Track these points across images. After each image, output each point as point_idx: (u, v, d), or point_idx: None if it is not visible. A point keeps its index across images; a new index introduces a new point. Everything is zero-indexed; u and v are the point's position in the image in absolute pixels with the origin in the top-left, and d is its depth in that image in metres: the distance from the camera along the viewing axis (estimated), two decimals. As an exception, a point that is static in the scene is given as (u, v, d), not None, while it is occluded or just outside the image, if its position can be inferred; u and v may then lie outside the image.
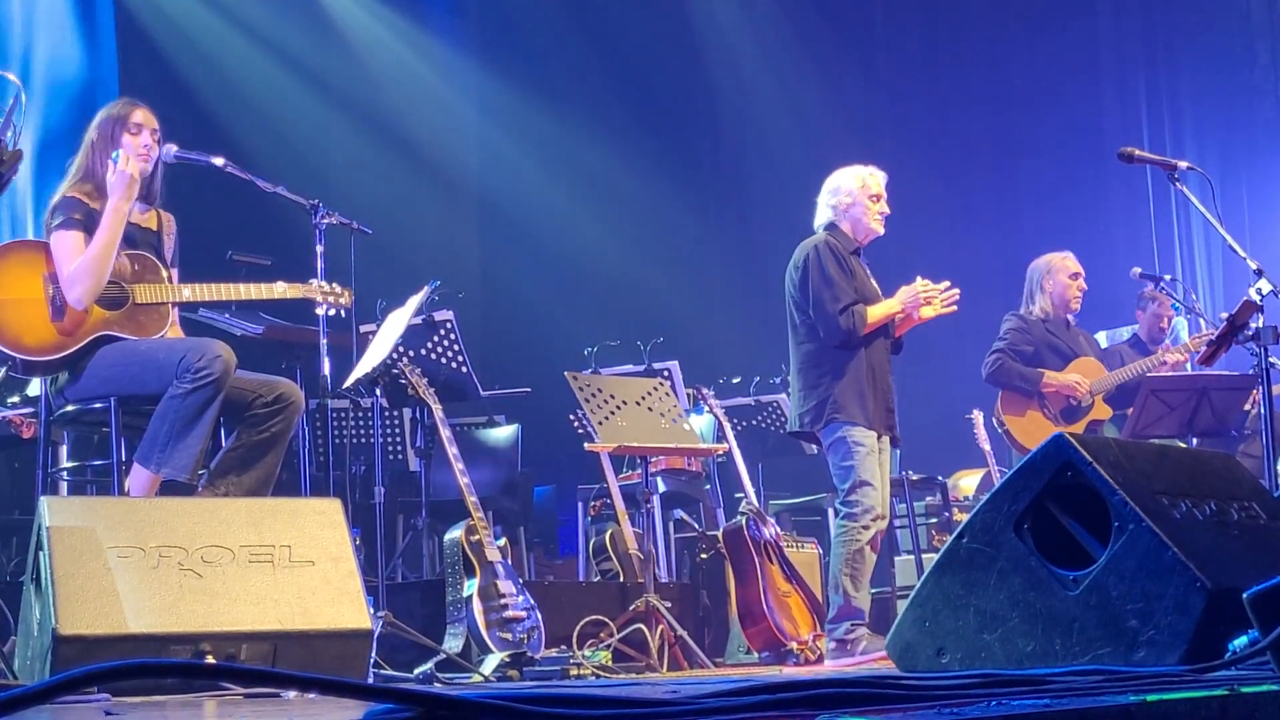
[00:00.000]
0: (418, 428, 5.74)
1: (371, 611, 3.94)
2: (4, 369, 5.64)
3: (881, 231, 5.75)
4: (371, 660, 3.91)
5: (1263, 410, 5.18)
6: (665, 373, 7.37)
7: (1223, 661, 2.61)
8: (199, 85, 8.65)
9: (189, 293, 4.65)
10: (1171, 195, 9.82)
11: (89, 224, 4.54)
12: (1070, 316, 7.02)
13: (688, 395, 7.36)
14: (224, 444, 4.57)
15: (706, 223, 11.04)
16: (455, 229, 10.15)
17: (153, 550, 3.51)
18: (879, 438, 5.55)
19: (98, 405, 4.53)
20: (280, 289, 4.76)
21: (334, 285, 4.84)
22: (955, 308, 5.61)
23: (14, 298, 4.45)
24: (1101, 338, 8.47)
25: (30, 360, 4.48)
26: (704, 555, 6.59)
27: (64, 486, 5.29)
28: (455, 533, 5.23)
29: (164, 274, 4.68)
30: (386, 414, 6.93)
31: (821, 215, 5.85)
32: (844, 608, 5.42)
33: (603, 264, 10.07)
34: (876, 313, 5.57)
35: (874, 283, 5.75)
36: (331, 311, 4.84)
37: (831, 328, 5.52)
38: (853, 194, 5.75)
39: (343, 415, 6.90)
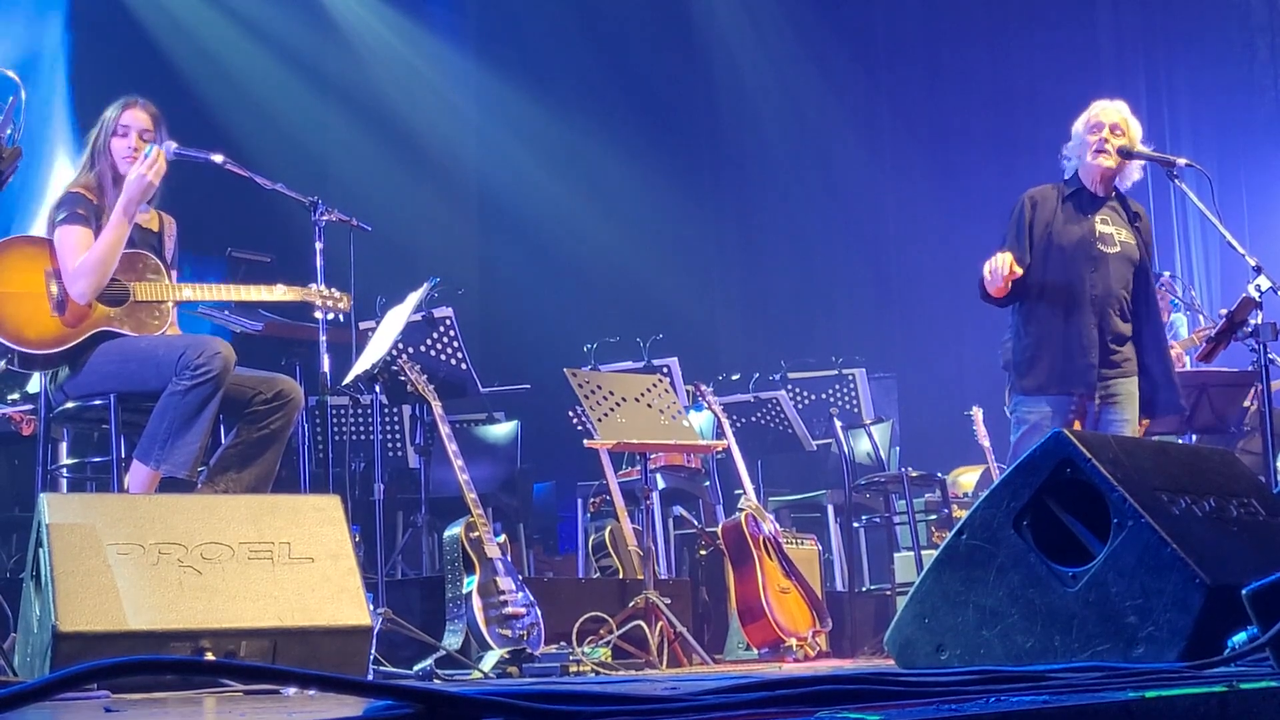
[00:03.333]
0: (417, 424, 5.74)
1: (371, 608, 3.95)
2: (2, 362, 5.64)
3: (1107, 164, 5.22)
4: (371, 657, 3.91)
5: (1262, 407, 5.18)
6: (664, 369, 7.37)
7: (1222, 658, 2.61)
8: (198, 82, 8.64)
9: (189, 292, 4.68)
10: (1170, 192, 9.81)
11: (92, 219, 4.56)
12: None
13: (687, 392, 7.36)
14: (223, 441, 4.58)
15: (706, 219, 11.04)
16: (455, 226, 10.15)
17: (152, 547, 3.51)
18: (1073, 403, 5.14)
19: (97, 402, 4.53)
20: (280, 292, 4.77)
21: (333, 290, 4.84)
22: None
23: (16, 291, 4.47)
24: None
25: (30, 353, 4.48)
26: (703, 552, 6.59)
27: (64, 483, 5.29)
28: (455, 529, 5.23)
29: (164, 273, 4.70)
30: (386, 411, 6.94)
31: (1067, 166, 5.41)
32: None
33: (602, 261, 10.07)
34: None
35: (1110, 226, 5.25)
36: (330, 316, 4.85)
37: None
38: (1076, 134, 5.33)
39: (342, 412, 6.90)
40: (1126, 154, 5.28)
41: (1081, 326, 5.15)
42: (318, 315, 4.85)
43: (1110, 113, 5.32)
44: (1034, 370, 5.18)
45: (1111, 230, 5.26)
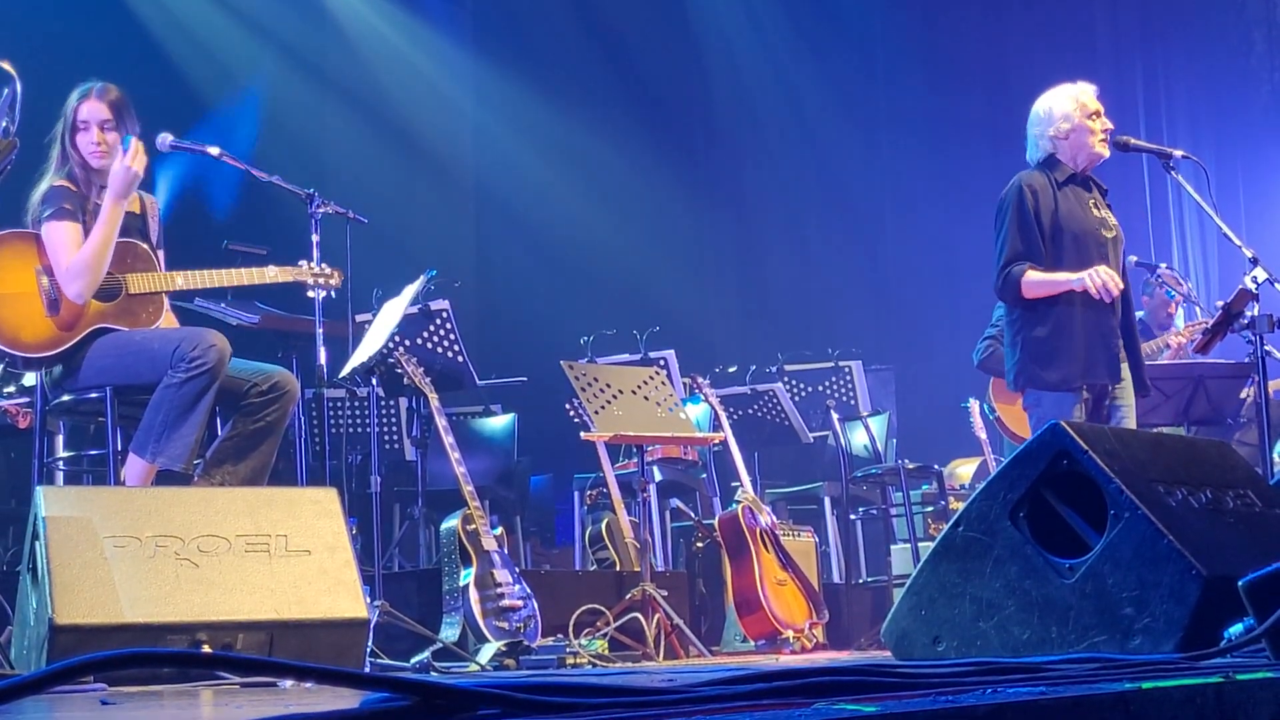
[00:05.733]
0: (414, 417, 5.74)
1: (368, 601, 3.95)
2: (2, 365, 5.64)
3: (1107, 154, 5.20)
4: (368, 649, 3.92)
5: (1259, 399, 5.18)
6: (661, 361, 7.37)
7: (1218, 649, 2.61)
8: (194, 74, 8.63)
9: (182, 280, 4.65)
10: (1167, 183, 9.81)
11: (79, 213, 4.54)
12: None
13: (684, 384, 7.36)
14: (220, 433, 4.57)
15: (703, 211, 11.04)
16: (451, 218, 10.14)
17: (149, 540, 3.51)
18: (1092, 394, 5.05)
19: (93, 395, 4.53)
20: (271, 273, 4.76)
21: (323, 266, 4.83)
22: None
23: (8, 292, 4.44)
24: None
25: (28, 357, 4.48)
26: (700, 544, 6.59)
27: (60, 476, 5.29)
28: (451, 522, 5.23)
29: (155, 261, 4.67)
30: (383, 403, 6.94)
31: (1038, 148, 5.26)
32: None
33: (599, 253, 10.07)
34: (1047, 278, 5.03)
35: (1100, 211, 5.19)
36: (323, 294, 4.83)
37: (995, 284, 5.19)
38: (1070, 118, 5.17)
39: (339, 404, 6.90)
40: (1123, 146, 5.28)
41: (1100, 315, 5.06)
42: (310, 294, 4.83)
43: (1097, 98, 5.27)
44: (1055, 363, 5.06)
45: (1103, 214, 5.24)
